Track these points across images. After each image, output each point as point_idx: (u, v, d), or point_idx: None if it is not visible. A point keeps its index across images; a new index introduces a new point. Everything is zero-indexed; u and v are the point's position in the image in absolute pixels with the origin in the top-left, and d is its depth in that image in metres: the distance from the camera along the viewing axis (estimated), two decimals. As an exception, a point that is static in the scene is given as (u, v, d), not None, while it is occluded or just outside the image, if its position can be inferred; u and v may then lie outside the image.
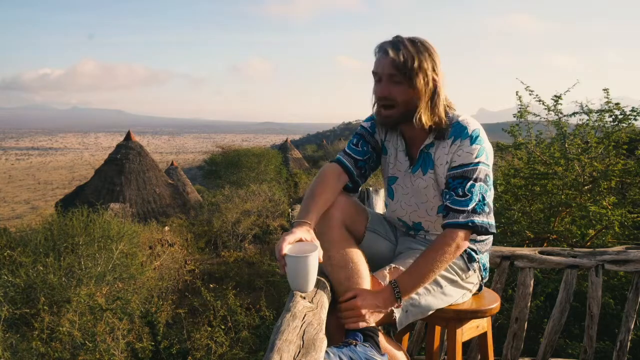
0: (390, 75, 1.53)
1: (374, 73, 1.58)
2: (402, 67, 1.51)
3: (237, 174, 22.01)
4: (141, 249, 8.67)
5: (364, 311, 1.43)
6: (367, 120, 1.77)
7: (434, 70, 1.54)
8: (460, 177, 1.55)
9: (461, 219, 1.53)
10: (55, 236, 7.85)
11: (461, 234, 1.53)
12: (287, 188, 20.73)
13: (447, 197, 1.57)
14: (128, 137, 20.14)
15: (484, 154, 1.55)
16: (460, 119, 1.58)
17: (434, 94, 1.55)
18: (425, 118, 1.55)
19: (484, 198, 1.55)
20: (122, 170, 18.71)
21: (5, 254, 7.09)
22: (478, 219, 1.53)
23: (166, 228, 13.20)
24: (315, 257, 1.36)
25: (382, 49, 1.56)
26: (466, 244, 1.56)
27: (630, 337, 2.35)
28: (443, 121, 1.57)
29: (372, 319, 1.44)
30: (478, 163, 1.54)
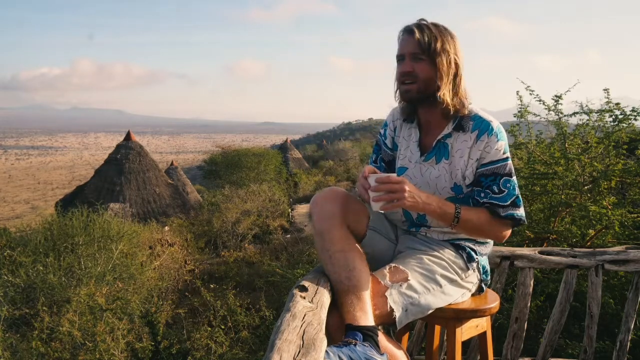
0: (414, 53, 1.58)
1: (398, 56, 1.62)
2: (426, 46, 1.56)
3: (237, 174, 22.03)
4: (141, 249, 8.67)
5: (407, 193, 1.43)
6: (383, 126, 1.85)
7: (455, 52, 1.59)
8: (492, 175, 1.59)
9: (502, 212, 1.59)
10: (55, 236, 7.86)
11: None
12: (287, 188, 20.76)
13: (483, 195, 1.61)
14: (128, 137, 20.17)
15: (508, 150, 1.62)
16: (480, 113, 1.63)
17: (456, 75, 1.60)
18: (447, 97, 1.58)
19: (518, 192, 1.61)
20: (122, 170, 18.73)
21: (5, 254, 7.10)
22: (517, 212, 1.60)
23: (166, 228, 13.22)
24: None
25: (406, 30, 1.61)
26: (507, 236, 1.64)
27: (630, 337, 2.35)
28: (465, 105, 1.61)
29: (409, 203, 1.44)
30: (507, 159, 1.60)
